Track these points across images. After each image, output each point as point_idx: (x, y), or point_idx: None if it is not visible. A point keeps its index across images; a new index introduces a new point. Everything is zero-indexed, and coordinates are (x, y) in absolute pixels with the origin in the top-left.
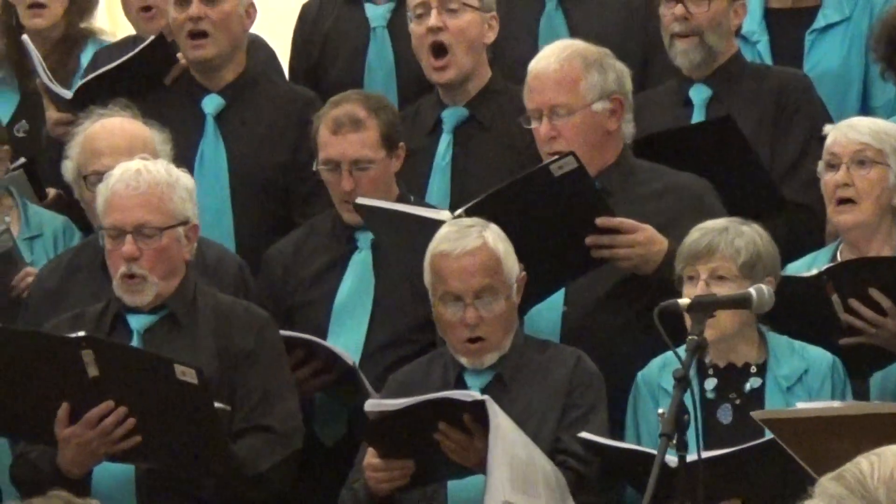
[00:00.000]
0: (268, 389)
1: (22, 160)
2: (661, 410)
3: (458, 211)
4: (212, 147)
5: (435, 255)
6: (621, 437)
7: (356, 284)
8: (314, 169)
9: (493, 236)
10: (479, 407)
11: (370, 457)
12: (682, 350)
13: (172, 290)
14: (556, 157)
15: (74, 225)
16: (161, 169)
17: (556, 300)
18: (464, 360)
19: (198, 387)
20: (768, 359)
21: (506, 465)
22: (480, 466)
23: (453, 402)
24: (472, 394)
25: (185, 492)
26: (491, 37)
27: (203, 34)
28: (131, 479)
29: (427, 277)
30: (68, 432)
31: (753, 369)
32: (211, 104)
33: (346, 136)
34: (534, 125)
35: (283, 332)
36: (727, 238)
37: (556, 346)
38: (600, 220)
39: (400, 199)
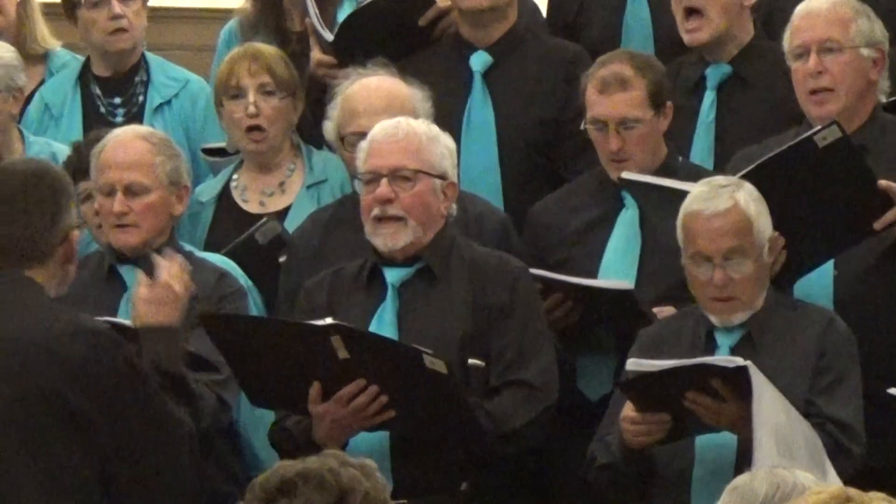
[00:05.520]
0: (523, 344)
1: None
2: None
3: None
4: (480, 105)
5: (687, 214)
6: None
7: (623, 242)
8: (582, 128)
9: (746, 197)
10: (742, 372)
11: (627, 410)
12: None
13: (428, 242)
14: (820, 128)
15: None
16: (422, 124)
17: (827, 266)
18: (713, 318)
19: (447, 377)
20: None
21: (771, 432)
22: (732, 428)
23: (713, 367)
24: (735, 359)
25: (439, 453)
26: None
27: None
28: (386, 447)
29: (679, 235)
30: (321, 409)
31: None
32: (479, 61)
33: (613, 96)
34: (794, 64)
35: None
36: None
37: (806, 305)
38: (883, 183)
39: (668, 158)
